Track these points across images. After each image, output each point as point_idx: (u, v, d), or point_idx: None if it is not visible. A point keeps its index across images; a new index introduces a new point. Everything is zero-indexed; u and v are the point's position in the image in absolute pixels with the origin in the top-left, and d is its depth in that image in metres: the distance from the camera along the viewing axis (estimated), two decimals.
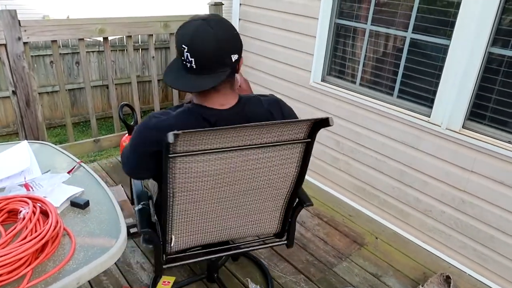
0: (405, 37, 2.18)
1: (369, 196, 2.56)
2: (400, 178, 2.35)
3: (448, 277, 1.94)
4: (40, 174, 1.21)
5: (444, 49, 2.02)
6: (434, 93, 2.09)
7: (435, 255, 2.24)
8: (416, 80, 2.20)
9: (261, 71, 3.05)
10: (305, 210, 2.57)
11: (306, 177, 3.03)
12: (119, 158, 3.02)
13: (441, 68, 2.04)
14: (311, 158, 2.93)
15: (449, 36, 1.98)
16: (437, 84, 2.07)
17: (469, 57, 1.89)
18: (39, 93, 2.55)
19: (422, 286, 1.91)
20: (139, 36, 5.28)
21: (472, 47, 1.87)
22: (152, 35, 2.91)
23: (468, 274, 2.11)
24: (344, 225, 2.45)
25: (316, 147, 2.76)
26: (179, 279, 1.91)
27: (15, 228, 0.86)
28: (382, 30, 2.29)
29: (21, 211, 0.91)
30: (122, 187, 2.56)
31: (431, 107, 2.12)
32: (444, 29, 2.02)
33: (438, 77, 2.06)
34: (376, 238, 2.36)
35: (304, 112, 2.80)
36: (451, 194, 2.12)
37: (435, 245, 2.26)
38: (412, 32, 2.14)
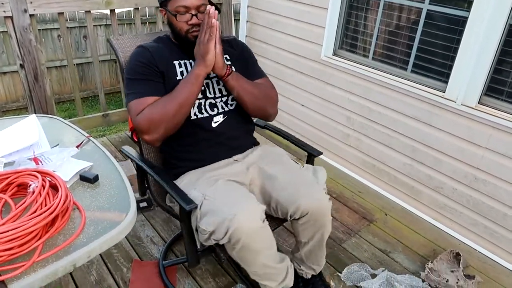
0: (422, 8, 2.10)
1: (379, 172, 2.54)
2: (411, 154, 2.31)
3: (458, 254, 1.93)
4: (49, 148, 1.20)
5: (462, 22, 1.94)
6: (450, 67, 2.02)
7: (445, 232, 2.23)
8: (432, 54, 2.13)
9: (270, 44, 2.97)
10: None
11: None
12: (128, 133, 3.02)
13: (458, 42, 1.97)
14: (321, 134, 2.90)
15: (468, 8, 1.89)
16: (453, 58, 2.00)
17: (488, 30, 1.82)
18: (47, 68, 2.53)
19: (431, 262, 1.91)
20: (146, 9, 5.19)
21: (492, 19, 1.79)
22: None
23: (479, 251, 2.10)
24: (354, 201, 2.44)
25: (326, 123, 2.75)
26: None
27: (25, 202, 0.86)
28: (397, 1, 2.21)
29: (30, 185, 0.90)
30: (131, 161, 2.56)
31: (446, 82, 2.06)
32: (463, 0, 1.93)
33: (455, 51, 1.99)
34: (386, 214, 2.35)
35: (314, 87, 2.74)
36: (463, 171, 2.09)
37: (446, 222, 2.24)
38: (429, 4, 2.05)
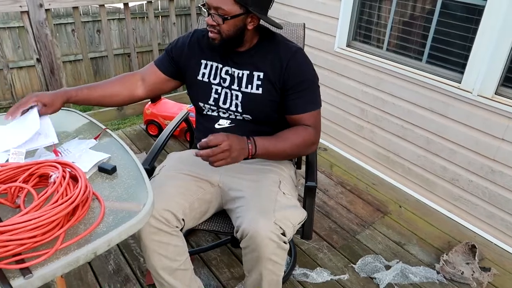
0: None
1: (393, 164, 2.52)
2: (426, 146, 2.29)
3: (473, 247, 1.92)
4: (55, 138, 1.18)
5: (478, 11, 1.91)
6: (466, 58, 1.99)
7: (461, 224, 2.21)
8: (447, 44, 2.10)
9: None
10: (328, 179, 2.56)
11: (330, 145, 3.02)
12: (143, 126, 3.05)
13: (474, 31, 1.93)
14: (334, 126, 2.89)
15: None
16: (469, 49, 1.97)
17: (505, 19, 1.78)
18: (62, 62, 2.56)
19: (446, 255, 1.90)
20: (159, 2, 5.21)
21: (510, 8, 1.76)
22: (173, 0, 2.86)
23: (494, 244, 2.08)
24: (368, 193, 2.44)
25: (339, 115, 2.74)
26: (204, 244, 1.95)
27: (46, 192, 0.88)
28: None
29: (51, 176, 0.93)
30: (146, 154, 2.59)
31: (462, 73, 2.03)
32: None
33: (471, 40, 1.96)
34: (400, 206, 2.34)
35: (328, 79, 2.73)
36: (479, 163, 2.06)
37: (461, 214, 2.22)
38: None
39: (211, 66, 1.41)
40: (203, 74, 1.42)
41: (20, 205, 0.89)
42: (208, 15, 1.26)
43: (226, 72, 1.39)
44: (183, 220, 1.29)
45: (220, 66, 1.40)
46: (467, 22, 1.98)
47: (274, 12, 2.93)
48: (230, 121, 1.42)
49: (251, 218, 1.19)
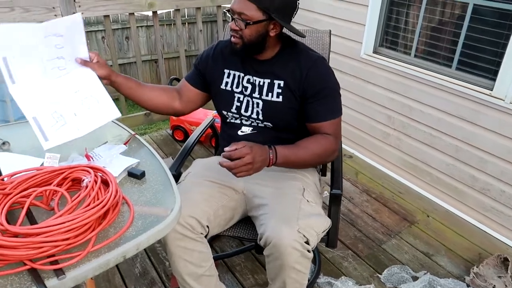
0: (468, 3, 2.02)
1: (420, 173, 2.47)
2: (455, 154, 2.23)
3: (506, 259, 1.85)
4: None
5: (511, 16, 1.86)
6: (498, 64, 1.94)
7: (492, 235, 2.14)
8: (478, 51, 2.04)
9: None
10: (354, 186, 2.53)
11: (355, 152, 2.99)
12: (169, 131, 3.11)
13: (507, 37, 1.88)
14: (360, 133, 2.86)
15: None
16: (502, 55, 1.92)
17: None
18: None
19: (477, 267, 1.84)
20: (185, 10, 5.30)
21: None
22: (200, 8, 2.91)
23: None
24: (394, 202, 2.39)
25: (365, 122, 2.71)
26: (228, 249, 1.96)
27: (79, 195, 0.91)
28: None
29: (83, 180, 0.96)
30: (172, 159, 2.64)
31: (494, 80, 1.97)
32: None
33: (504, 47, 1.90)
34: (428, 216, 2.28)
35: (354, 86, 2.71)
36: None
37: (493, 225, 2.15)
38: None
39: (234, 75, 1.44)
40: (226, 83, 1.45)
41: (54, 207, 0.92)
42: (232, 20, 1.29)
43: (248, 81, 1.41)
44: (207, 226, 1.30)
45: (242, 75, 1.42)
46: (499, 28, 1.93)
47: (299, 19, 2.93)
48: (252, 128, 1.44)
49: (274, 226, 1.19)
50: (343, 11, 2.64)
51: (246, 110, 1.42)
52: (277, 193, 1.34)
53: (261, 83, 1.39)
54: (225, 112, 1.47)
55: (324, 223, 1.28)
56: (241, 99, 1.42)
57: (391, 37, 2.49)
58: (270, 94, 1.38)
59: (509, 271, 1.80)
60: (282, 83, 1.36)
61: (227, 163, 1.17)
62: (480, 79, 2.05)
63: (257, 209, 1.35)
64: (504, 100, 1.93)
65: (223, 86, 1.45)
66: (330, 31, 1.75)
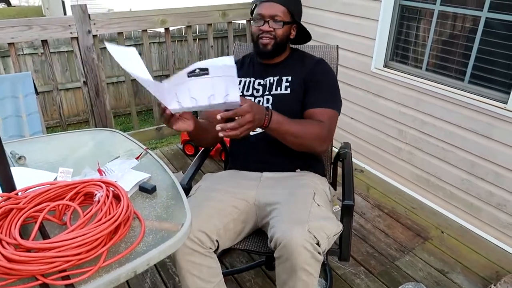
0: (480, 16, 2.01)
1: (434, 188, 2.43)
2: (470, 169, 2.20)
3: None
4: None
5: None
6: None
7: (510, 253, 2.08)
8: (492, 64, 2.03)
9: None
10: (365, 201, 2.50)
11: (366, 167, 2.96)
12: (180, 146, 3.12)
13: None
14: (371, 148, 2.84)
15: None
16: None
17: None
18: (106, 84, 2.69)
19: (494, 285, 1.79)
20: (197, 26, 5.39)
21: None
22: (211, 24, 2.95)
23: None
24: (407, 218, 2.35)
25: (376, 136, 2.69)
26: (238, 265, 1.94)
27: (91, 210, 0.91)
28: (453, 10, 2.13)
29: (96, 194, 0.96)
30: (183, 173, 2.64)
31: (508, 93, 1.95)
32: None
33: None
34: (442, 232, 2.24)
35: (364, 100, 2.70)
36: None
37: (510, 242, 2.09)
38: (488, 11, 1.97)
39: (245, 81, 1.57)
40: (238, 89, 1.50)
41: (66, 222, 0.93)
42: (264, 23, 1.47)
43: (259, 84, 1.55)
44: (217, 241, 1.30)
45: (252, 79, 1.56)
46: None
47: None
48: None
49: (285, 227, 1.19)
50: (354, 26, 2.65)
51: None
52: (288, 198, 1.34)
53: (271, 81, 1.53)
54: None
55: (335, 227, 1.27)
56: (252, 100, 1.50)
57: (401, 51, 2.49)
58: (279, 88, 1.51)
59: None
60: (289, 78, 1.52)
61: (231, 124, 1.14)
62: (494, 93, 2.03)
63: (268, 216, 1.34)
64: None
65: None
66: (338, 46, 1.80)
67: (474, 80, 2.11)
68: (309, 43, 1.69)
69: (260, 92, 1.53)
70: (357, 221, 2.29)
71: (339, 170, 1.65)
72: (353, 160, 1.74)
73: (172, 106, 1.10)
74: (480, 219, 2.21)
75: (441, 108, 2.25)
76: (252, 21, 1.52)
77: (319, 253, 1.17)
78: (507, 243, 2.11)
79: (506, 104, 1.95)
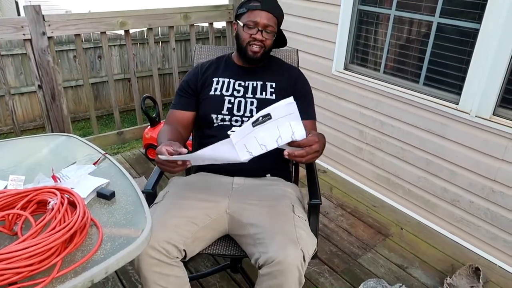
0: (432, 22, 2.11)
1: (393, 186, 2.51)
2: (426, 167, 2.29)
3: (477, 269, 1.89)
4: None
5: (473, 34, 1.94)
6: (463, 79, 2.02)
7: (464, 246, 2.19)
8: (444, 67, 2.13)
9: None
10: (329, 201, 2.55)
11: (329, 167, 3.01)
12: (142, 150, 3.06)
13: (470, 54, 1.96)
14: (334, 149, 2.89)
15: (479, 20, 1.90)
16: (465, 70, 2.00)
17: (500, 41, 1.82)
18: (63, 88, 2.59)
19: (450, 278, 1.87)
20: (159, 29, 5.31)
21: (504, 30, 1.79)
22: (173, 27, 2.92)
23: (499, 266, 2.05)
24: (368, 216, 2.42)
25: (338, 137, 2.75)
26: (203, 269, 1.92)
27: (44, 219, 0.88)
28: (408, 15, 2.22)
29: (49, 202, 0.92)
30: (145, 178, 2.59)
31: (459, 94, 2.05)
32: (473, 12, 1.94)
33: (467, 63, 1.98)
34: (402, 228, 2.32)
35: (326, 102, 2.76)
36: (480, 184, 2.06)
37: (464, 236, 2.20)
38: (440, 17, 2.06)
39: (223, 82, 1.57)
40: (215, 89, 1.55)
41: (17, 232, 0.88)
42: (257, 32, 1.49)
43: (239, 85, 1.56)
44: (184, 251, 1.26)
45: (232, 81, 1.57)
46: (463, 45, 2.02)
47: None
48: None
49: (279, 245, 1.18)
50: (315, 30, 2.71)
51: (238, 110, 1.52)
52: (270, 212, 1.33)
53: (254, 85, 1.56)
54: (214, 116, 1.52)
55: (314, 244, 1.29)
56: (232, 101, 1.52)
57: (361, 54, 2.56)
58: (264, 93, 1.54)
59: (481, 281, 1.83)
60: (274, 84, 1.56)
61: (299, 152, 1.15)
62: (447, 94, 2.13)
63: (246, 228, 1.32)
64: (469, 114, 2.00)
65: (212, 92, 1.55)
66: (297, 50, 1.86)
67: (428, 82, 2.21)
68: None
69: (241, 93, 1.54)
70: (321, 221, 2.33)
71: (302, 171, 1.67)
72: (316, 160, 1.77)
73: (244, 157, 1.11)
74: (436, 215, 2.31)
75: (399, 109, 2.34)
76: (244, 26, 1.50)
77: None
78: (461, 237, 2.21)
79: (458, 104, 2.05)
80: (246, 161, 1.13)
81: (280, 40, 1.63)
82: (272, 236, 1.22)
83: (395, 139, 2.41)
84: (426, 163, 2.28)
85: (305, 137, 1.14)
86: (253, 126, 1.06)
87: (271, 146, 1.10)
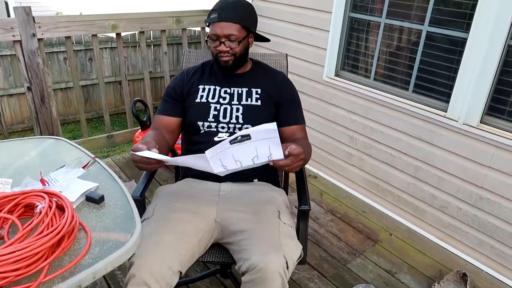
0: (421, 30, 2.14)
1: (383, 192, 2.53)
2: (415, 174, 2.31)
3: (464, 275, 1.91)
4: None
5: (461, 42, 1.98)
6: (451, 87, 2.05)
7: (451, 252, 2.21)
8: (433, 75, 2.16)
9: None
10: (318, 206, 2.56)
11: (320, 172, 3.02)
12: None
13: (458, 62, 2.00)
14: (324, 154, 2.90)
15: (467, 29, 1.93)
16: (454, 79, 2.03)
17: (487, 51, 1.85)
18: (53, 90, 2.57)
19: (438, 283, 1.89)
20: (151, 32, 5.30)
21: (491, 40, 1.83)
22: (165, 30, 2.92)
23: (485, 272, 2.07)
24: (358, 221, 2.43)
25: (329, 143, 2.76)
26: (192, 274, 1.91)
27: (31, 223, 0.87)
28: (398, 23, 2.25)
29: (37, 206, 0.91)
30: (135, 182, 2.57)
31: (447, 102, 2.08)
32: (461, 21, 1.97)
33: (455, 71, 2.02)
34: (391, 234, 2.33)
35: (317, 107, 2.77)
36: (468, 190, 2.08)
37: (451, 242, 2.22)
38: (429, 25, 2.10)
39: (209, 89, 1.56)
40: (201, 96, 1.54)
41: (4, 236, 0.87)
42: (220, 44, 1.46)
43: (225, 92, 1.54)
44: (179, 272, 1.22)
45: (218, 88, 1.55)
46: (451, 53, 2.05)
47: (263, 43, 2.99)
48: (229, 134, 1.50)
49: (261, 252, 1.17)
50: (306, 36, 2.73)
51: (224, 117, 1.51)
52: (255, 218, 1.33)
53: (240, 91, 1.54)
54: (200, 123, 1.51)
55: (299, 251, 1.28)
56: (218, 108, 1.51)
57: (351, 61, 2.59)
58: (249, 99, 1.53)
59: (468, 286, 1.85)
60: (259, 90, 1.55)
61: (284, 162, 1.15)
62: (435, 101, 2.16)
63: (233, 235, 1.31)
64: (457, 121, 2.03)
65: (198, 100, 1.54)
66: (287, 54, 1.88)
67: (418, 89, 2.24)
68: (260, 51, 1.73)
69: (227, 100, 1.52)
70: (311, 226, 2.34)
71: (292, 176, 1.68)
72: (307, 166, 1.78)
73: (217, 170, 1.14)
74: (424, 221, 2.34)
75: (389, 116, 2.36)
76: (208, 40, 1.49)
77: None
78: (449, 242, 2.24)
79: (446, 112, 2.08)
80: (222, 175, 1.16)
81: (260, 35, 1.60)
82: (255, 242, 1.22)
83: (385, 145, 2.43)
84: (415, 170, 2.31)
85: (282, 159, 1.14)
86: (231, 144, 1.08)
87: (247, 164, 1.13)
